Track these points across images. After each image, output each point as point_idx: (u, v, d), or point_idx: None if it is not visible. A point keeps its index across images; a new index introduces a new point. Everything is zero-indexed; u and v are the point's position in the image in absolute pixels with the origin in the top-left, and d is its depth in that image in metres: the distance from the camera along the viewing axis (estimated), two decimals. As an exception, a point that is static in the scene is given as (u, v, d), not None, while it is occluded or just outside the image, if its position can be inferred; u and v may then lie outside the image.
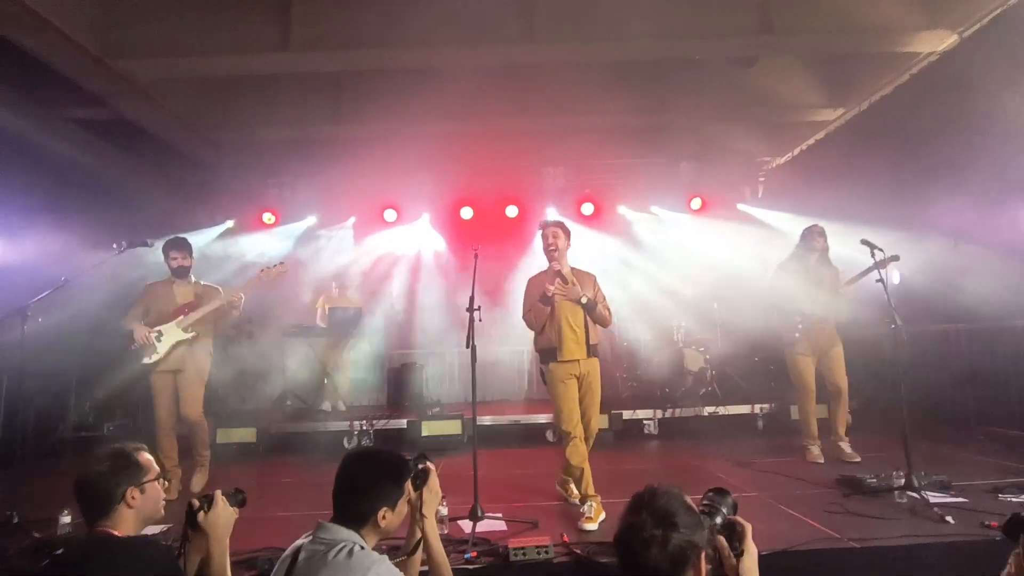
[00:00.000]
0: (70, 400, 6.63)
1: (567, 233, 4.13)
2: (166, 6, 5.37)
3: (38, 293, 4.14)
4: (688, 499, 1.55)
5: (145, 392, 4.76)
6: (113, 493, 1.94)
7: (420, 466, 2.24)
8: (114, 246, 4.41)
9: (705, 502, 1.74)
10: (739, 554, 1.63)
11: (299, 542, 1.96)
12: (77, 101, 6.13)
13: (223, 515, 2.11)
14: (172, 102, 6.38)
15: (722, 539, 1.64)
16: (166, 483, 3.54)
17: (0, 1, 4.32)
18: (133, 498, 1.96)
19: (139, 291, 4.84)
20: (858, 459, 4.89)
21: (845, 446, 5.01)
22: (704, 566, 1.50)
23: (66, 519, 3.61)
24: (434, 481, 2.25)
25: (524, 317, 4.13)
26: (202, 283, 4.89)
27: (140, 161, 7.32)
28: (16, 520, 3.70)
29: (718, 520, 1.69)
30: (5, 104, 5.66)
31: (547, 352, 4.06)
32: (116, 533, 1.92)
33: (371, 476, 2.01)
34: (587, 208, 8.48)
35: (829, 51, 6.15)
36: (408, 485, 2.12)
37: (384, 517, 1.98)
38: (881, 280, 4.18)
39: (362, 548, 1.87)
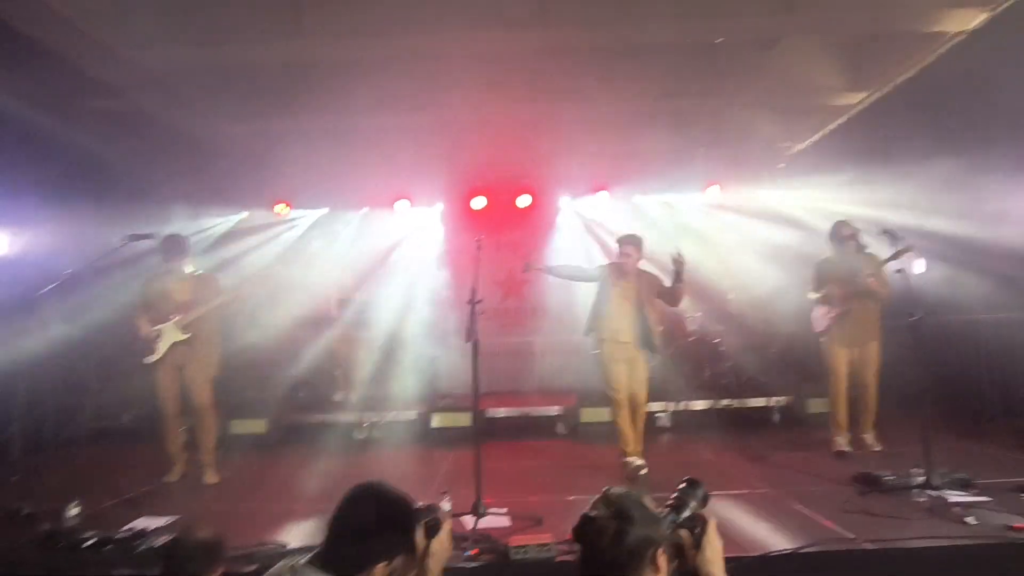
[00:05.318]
0: (88, 392, 6.70)
1: None
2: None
3: (48, 286, 4.16)
4: (647, 499, 1.56)
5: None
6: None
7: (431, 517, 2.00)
8: (121, 240, 4.40)
9: (675, 494, 1.69)
10: (699, 548, 1.61)
11: None
12: (93, 92, 6.14)
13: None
14: (187, 92, 6.39)
15: (685, 532, 1.62)
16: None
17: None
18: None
19: (140, 285, 4.81)
20: (878, 448, 4.84)
21: (868, 437, 4.98)
22: (666, 563, 1.50)
23: (73, 511, 3.60)
24: (446, 534, 2.01)
25: None
26: (199, 274, 4.81)
27: (153, 152, 7.32)
28: (25, 512, 3.70)
29: (685, 514, 1.65)
30: (19, 95, 5.66)
31: None
32: None
33: (381, 522, 1.76)
34: (601, 196, 8.34)
35: (852, 31, 5.95)
36: (419, 533, 1.88)
37: (380, 572, 1.73)
38: (901, 270, 4.04)
39: None
